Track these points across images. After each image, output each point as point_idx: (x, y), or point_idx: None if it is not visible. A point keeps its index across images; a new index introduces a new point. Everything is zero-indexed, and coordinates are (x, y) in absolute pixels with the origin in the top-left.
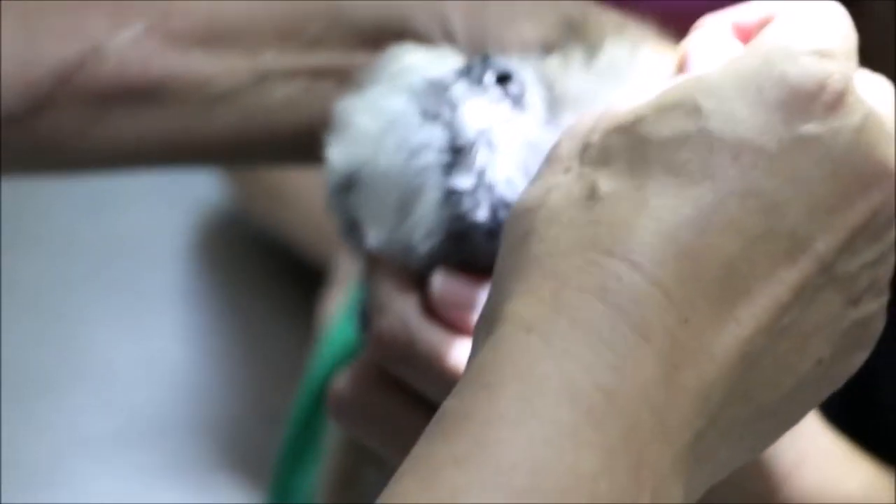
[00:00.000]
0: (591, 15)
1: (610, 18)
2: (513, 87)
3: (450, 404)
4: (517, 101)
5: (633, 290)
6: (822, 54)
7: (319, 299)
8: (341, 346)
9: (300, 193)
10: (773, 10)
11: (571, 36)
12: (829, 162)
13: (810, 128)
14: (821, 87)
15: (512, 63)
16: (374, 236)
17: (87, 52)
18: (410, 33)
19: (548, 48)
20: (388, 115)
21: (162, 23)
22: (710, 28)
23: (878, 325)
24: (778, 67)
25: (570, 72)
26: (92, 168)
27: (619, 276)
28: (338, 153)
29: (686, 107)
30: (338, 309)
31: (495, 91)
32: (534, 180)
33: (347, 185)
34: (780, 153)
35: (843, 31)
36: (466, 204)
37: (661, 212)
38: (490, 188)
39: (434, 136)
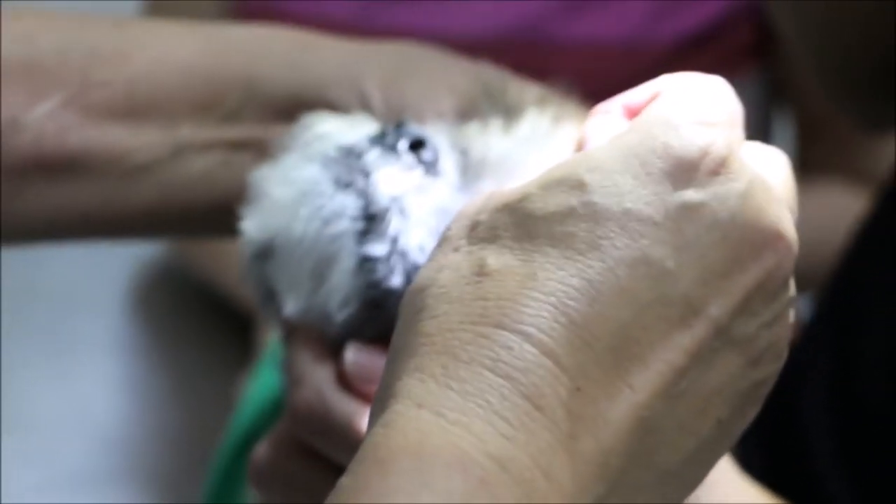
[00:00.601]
0: (510, 84)
1: (531, 90)
2: (426, 154)
3: (344, 481)
4: (430, 167)
5: (524, 359)
6: (704, 124)
7: (251, 348)
8: (267, 392)
9: (234, 245)
10: (659, 89)
11: (490, 104)
12: (718, 228)
13: (695, 195)
14: (703, 154)
15: (426, 130)
16: (291, 305)
17: (3, 125)
18: (327, 105)
19: (466, 116)
20: (301, 184)
21: (79, 96)
22: (604, 111)
23: (773, 382)
24: (660, 139)
25: (489, 138)
26: (9, 241)
27: (509, 346)
28: (252, 223)
29: (570, 182)
30: (262, 359)
31: (408, 158)
32: (427, 261)
33: (263, 255)
34: (666, 221)
35: (724, 104)
36: (380, 271)
37: (549, 284)
38: (403, 254)
39: (347, 204)
